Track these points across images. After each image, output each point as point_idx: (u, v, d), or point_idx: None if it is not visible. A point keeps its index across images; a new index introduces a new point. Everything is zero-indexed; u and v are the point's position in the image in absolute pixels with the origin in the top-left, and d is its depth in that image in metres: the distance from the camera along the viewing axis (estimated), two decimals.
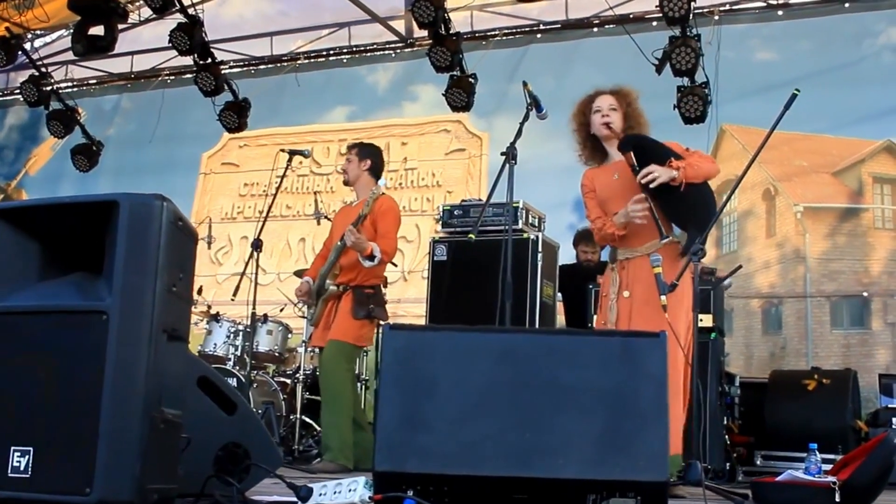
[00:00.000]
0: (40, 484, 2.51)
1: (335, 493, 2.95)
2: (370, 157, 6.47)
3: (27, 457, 2.53)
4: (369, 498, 2.83)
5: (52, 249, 2.77)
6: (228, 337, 8.14)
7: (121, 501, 2.48)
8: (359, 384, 7.94)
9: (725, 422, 6.81)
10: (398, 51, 11.51)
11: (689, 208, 4.76)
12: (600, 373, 2.79)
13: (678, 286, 4.58)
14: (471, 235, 5.68)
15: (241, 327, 8.07)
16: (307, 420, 7.82)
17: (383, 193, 6.27)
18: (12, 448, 2.54)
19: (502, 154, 5.17)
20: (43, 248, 2.77)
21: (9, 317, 2.67)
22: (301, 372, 7.98)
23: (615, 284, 5.08)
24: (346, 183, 6.61)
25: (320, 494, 2.97)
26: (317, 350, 6.97)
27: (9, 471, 2.53)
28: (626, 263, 5.03)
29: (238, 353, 8.00)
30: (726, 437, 6.75)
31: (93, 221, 2.65)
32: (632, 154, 4.95)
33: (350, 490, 2.92)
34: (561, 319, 7.61)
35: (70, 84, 12.69)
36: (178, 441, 2.84)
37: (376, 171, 6.43)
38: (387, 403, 2.81)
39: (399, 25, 11.23)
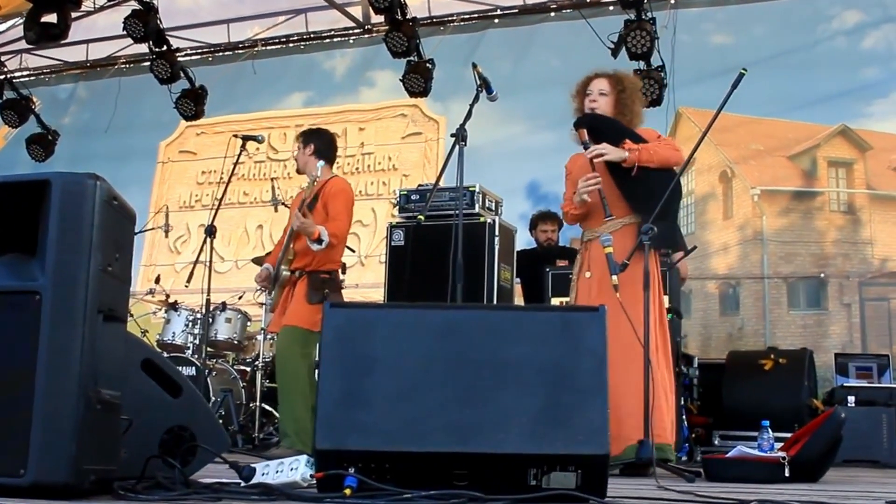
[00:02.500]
0: None
1: (277, 472, 2.94)
2: (312, 141, 6.38)
3: None
4: (311, 476, 2.82)
5: None
6: (187, 325, 8.10)
7: (56, 482, 2.46)
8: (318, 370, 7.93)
9: (683, 402, 6.85)
10: (356, 37, 11.47)
11: (646, 192, 4.78)
12: (540, 348, 2.80)
13: (629, 266, 4.62)
14: (420, 217, 5.68)
15: (199, 315, 8.02)
16: (267, 408, 7.80)
17: (327, 177, 6.22)
18: None
19: (452, 136, 5.16)
20: None
21: None
22: (260, 360, 7.95)
23: (578, 265, 5.13)
24: (298, 172, 6.58)
25: (263, 474, 2.96)
26: (275, 337, 6.90)
27: None
28: (589, 245, 5.09)
29: (197, 341, 7.95)
30: (684, 417, 6.79)
31: (25, 201, 2.61)
32: (585, 132, 4.97)
33: (292, 469, 2.91)
34: (519, 303, 7.61)
35: (24, 73, 12.55)
36: (118, 423, 2.81)
37: (322, 152, 6.31)
38: (327, 381, 2.81)
39: (356, 11, 11.19)
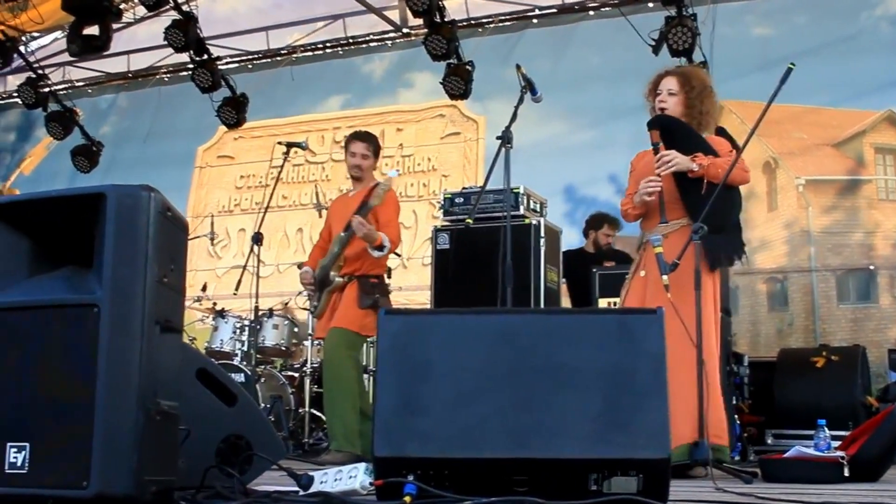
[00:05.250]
0: (38, 479, 2.49)
1: (336, 479, 2.93)
2: (378, 152, 6.45)
3: (24, 452, 2.51)
4: (370, 483, 2.81)
5: (42, 244, 2.74)
6: (235, 332, 8.14)
7: (118, 494, 2.46)
8: (366, 375, 7.94)
9: (735, 402, 6.78)
10: (394, 40, 11.47)
11: (705, 205, 4.69)
12: (598, 351, 2.76)
13: (679, 266, 4.57)
14: (468, 220, 5.67)
15: (246, 322, 8.06)
16: (316, 413, 7.81)
17: (373, 183, 6.24)
18: (8, 444, 2.52)
19: (498, 138, 5.14)
20: (32, 242, 2.74)
21: (1, 313, 2.65)
22: (308, 365, 7.97)
23: (634, 264, 5.10)
24: (357, 178, 6.44)
25: (321, 482, 2.95)
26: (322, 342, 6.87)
27: (6, 467, 2.52)
28: (647, 245, 5.03)
29: (245, 348, 7.99)
30: (736, 417, 6.71)
31: (81, 214, 2.62)
32: (658, 133, 4.90)
33: (350, 476, 2.90)
34: (566, 304, 7.57)
35: (68, 85, 12.70)
36: (177, 433, 2.82)
37: (376, 159, 6.46)
38: (384, 388, 2.79)
39: (394, 15, 11.19)
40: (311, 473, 3.03)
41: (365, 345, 7.42)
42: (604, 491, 2.71)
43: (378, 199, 5.88)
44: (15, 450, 2.53)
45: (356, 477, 2.89)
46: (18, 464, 2.52)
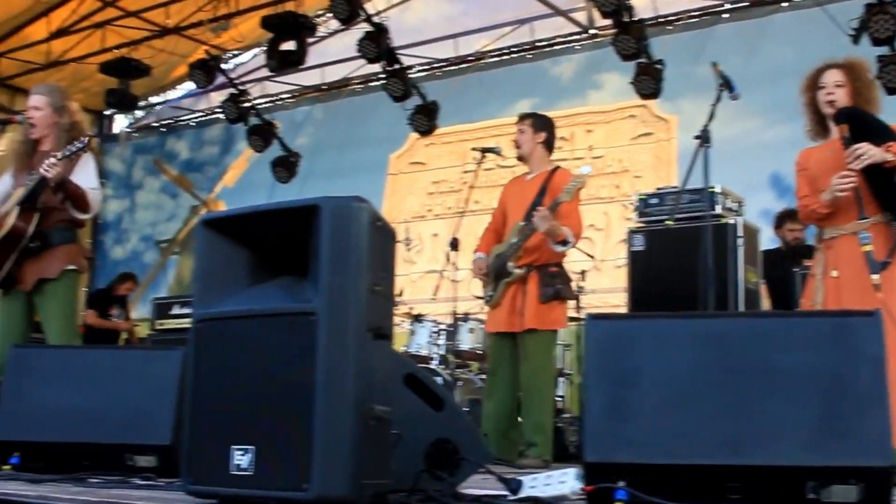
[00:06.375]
0: (262, 481, 2.60)
1: (546, 485, 2.94)
2: (545, 129, 6.26)
3: (249, 455, 2.63)
4: (581, 489, 2.81)
5: (260, 255, 2.87)
6: (431, 336, 8.25)
7: (338, 497, 2.55)
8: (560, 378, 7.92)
9: None
10: (581, 42, 11.43)
11: None
12: (812, 355, 2.68)
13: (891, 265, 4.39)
14: (668, 221, 5.58)
15: (443, 327, 8.17)
16: None
17: (550, 168, 6.17)
18: (234, 447, 2.65)
19: (696, 138, 5.06)
20: (251, 253, 2.87)
21: (224, 321, 2.79)
22: None
23: (821, 265, 4.88)
24: (519, 158, 6.36)
25: (531, 487, 2.97)
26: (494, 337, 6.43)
27: (231, 468, 2.65)
28: (833, 242, 4.82)
29: (442, 352, 8.10)
30: None
31: (296, 226, 2.73)
32: (847, 127, 4.71)
33: (560, 482, 2.91)
34: (766, 305, 7.35)
35: (266, 99, 13.23)
36: (389, 437, 2.89)
37: (550, 145, 6.28)
38: (593, 394, 2.79)
39: (580, 17, 11.16)
40: (519, 478, 3.06)
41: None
42: (822, 500, 2.63)
43: (569, 195, 5.75)
44: (240, 452, 2.65)
45: (566, 482, 2.90)
46: (244, 465, 2.64)
